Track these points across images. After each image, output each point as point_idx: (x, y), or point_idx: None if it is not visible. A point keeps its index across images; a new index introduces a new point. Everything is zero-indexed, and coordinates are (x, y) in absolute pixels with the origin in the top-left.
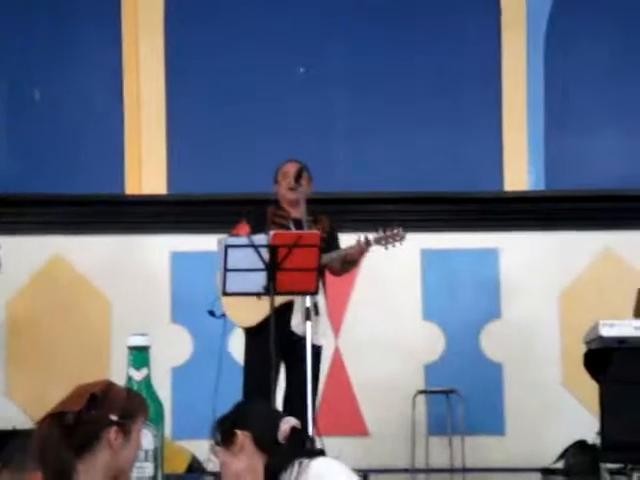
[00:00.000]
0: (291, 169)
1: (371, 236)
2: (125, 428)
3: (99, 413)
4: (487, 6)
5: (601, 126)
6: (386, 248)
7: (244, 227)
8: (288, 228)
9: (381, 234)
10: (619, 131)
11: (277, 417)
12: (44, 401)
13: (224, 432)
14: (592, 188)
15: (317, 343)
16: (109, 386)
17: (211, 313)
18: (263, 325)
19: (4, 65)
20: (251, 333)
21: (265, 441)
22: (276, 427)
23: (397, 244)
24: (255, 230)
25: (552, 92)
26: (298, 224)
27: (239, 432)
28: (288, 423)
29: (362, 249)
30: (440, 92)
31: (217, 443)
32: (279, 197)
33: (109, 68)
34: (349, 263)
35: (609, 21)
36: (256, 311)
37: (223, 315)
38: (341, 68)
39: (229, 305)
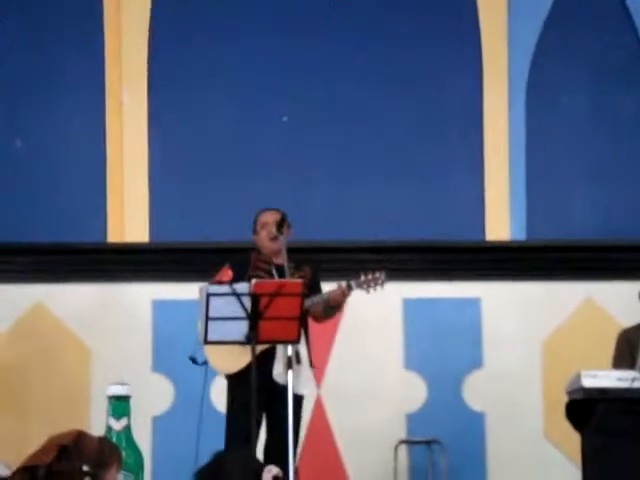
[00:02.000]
0: (270, 219)
1: (353, 281)
2: (98, 478)
3: (70, 464)
4: (469, 57)
5: (582, 177)
6: (367, 292)
7: (227, 272)
8: (271, 274)
9: (362, 278)
10: (600, 182)
11: (258, 467)
12: (20, 449)
13: None
14: (573, 238)
15: (298, 392)
16: (80, 436)
17: (193, 360)
18: (245, 373)
19: None
20: (233, 381)
21: None
22: (257, 478)
23: (379, 288)
24: (238, 276)
25: (534, 142)
26: (281, 271)
27: None
28: (270, 472)
29: (344, 293)
30: (421, 141)
31: None
32: (259, 247)
33: (91, 116)
34: (331, 308)
35: (591, 73)
36: (237, 358)
37: (205, 362)
38: (322, 117)
39: (211, 352)
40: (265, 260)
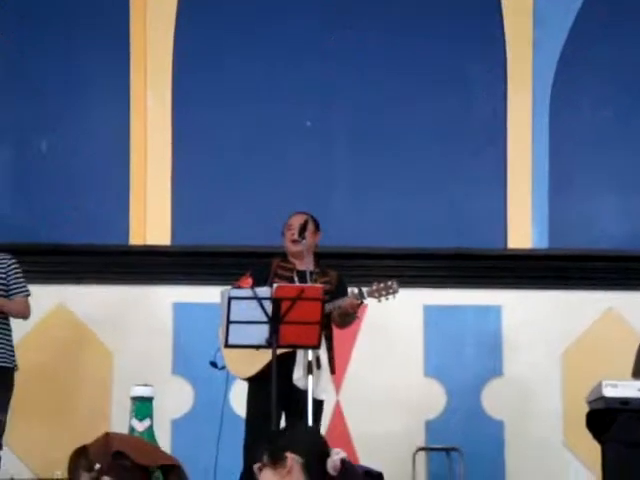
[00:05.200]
0: (295, 222)
1: (364, 289)
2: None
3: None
4: (494, 66)
5: (605, 186)
6: (379, 301)
7: (247, 280)
8: (292, 280)
9: (374, 287)
10: (623, 192)
11: (327, 447)
12: (43, 451)
13: (274, 452)
14: (595, 248)
15: (318, 397)
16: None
17: (213, 364)
18: (263, 377)
19: (12, 116)
20: (253, 384)
21: (314, 469)
22: (326, 456)
23: (391, 297)
24: (257, 283)
25: (557, 151)
26: (302, 276)
27: (290, 455)
28: (338, 455)
29: (354, 302)
30: (445, 149)
31: (264, 463)
32: (285, 249)
33: (116, 120)
34: (346, 316)
35: (614, 85)
36: (253, 362)
37: (224, 366)
38: (345, 123)
39: (228, 356)
40: (287, 267)
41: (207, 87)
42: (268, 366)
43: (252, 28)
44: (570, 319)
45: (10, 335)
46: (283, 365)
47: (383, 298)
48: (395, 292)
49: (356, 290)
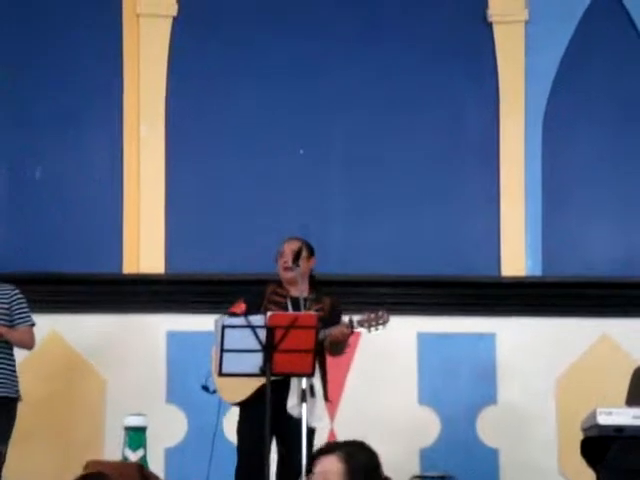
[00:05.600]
0: (287, 249)
1: (355, 318)
2: None
3: None
4: (486, 90)
5: (598, 212)
6: (369, 331)
7: (240, 306)
8: (285, 307)
9: (365, 317)
10: (616, 217)
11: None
12: (36, 478)
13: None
14: (589, 275)
15: (311, 425)
16: None
17: (205, 388)
18: (255, 402)
19: (6, 143)
20: (244, 410)
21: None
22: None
23: (381, 327)
24: (250, 309)
25: (550, 177)
26: (295, 303)
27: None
28: None
29: (344, 331)
30: (437, 175)
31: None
32: (279, 275)
33: (109, 148)
34: (337, 344)
35: (607, 109)
36: (244, 387)
37: (215, 391)
38: (338, 150)
39: (219, 382)
40: (281, 293)
41: (200, 116)
42: (258, 392)
43: (245, 56)
44: (564, 346)
45: (14, 365)
46: (275, 392)
47: (373, 328)
48: (385, 322)
49: (347, 319)
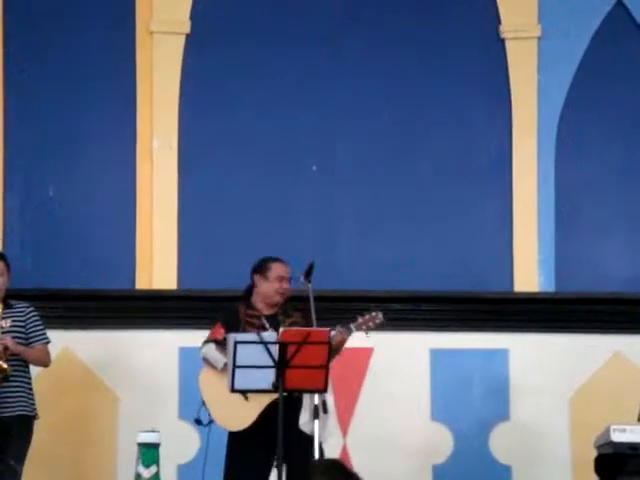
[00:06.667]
0: (284, 273)
1: (352, 324)
2: None
3: None
4: (499, 108)
5: (611, 229)
6: (367, 334)
7: (219, 330)
8: (262, 327)
9: (360, 320)
10: (629, 234)
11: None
12: None
13: None
14: (602, 291)
15: (325, 442)
16: None
17: (198, 422)
18: (253, 426)
19: (19, 160)
20: (237, 434)
21: None
22: None
23: (377, 328)
24: (230, 331)
25: (563, 193)
26: (272, 321)
27: None
28: None
29: (345, 338)
30: (450, 192)
31: None
32: (259, 292)
33: (122, 165)
34: (333, 352)
35: (619, 127)
36: (243, 414)
37: (210, 422)
38: (350, 167)
39: (215, 409)
40: (254, 314)
41: (212, 133)
42: (260, 416)
43: (258, 73)
44: (577, 362)
45: (30, 383)
46: (273, 414)
47: (370, 330)
48: (381, 322)
49: (341, 327)
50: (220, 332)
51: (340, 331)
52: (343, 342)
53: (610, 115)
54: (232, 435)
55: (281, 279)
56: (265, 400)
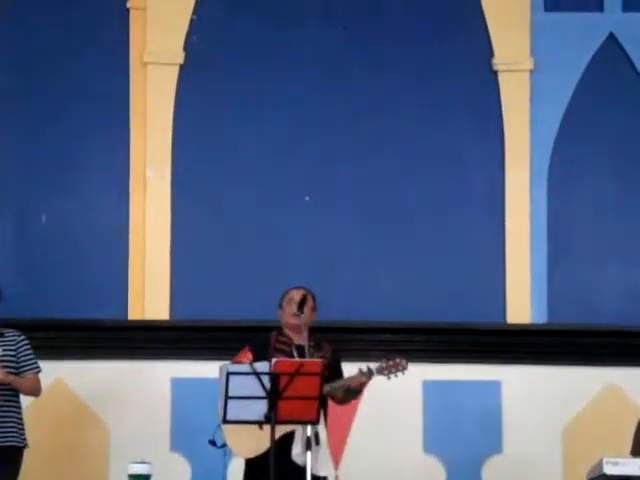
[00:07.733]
0: (296, 296)
1: (373, 366)
2: None
3: None
4: (491, 138)
5: (604, 261)
6: (388, 378)
7: (246, 354)
8: (291, 354)
9: (383, 364)
10: (622, 267)
11: None
12: None
13: None
14: (595, 323)
15: (317, 474)
16: None
17: (212, 443)
18: (263, 456)
19: (12, 188)
20: (251, 463)
21: None
22: None
23: (400, 374)
24: (258, 357)
25: (555, 225)
26: (301, 350)
27: None
28: None
29: (363, 380)
30: (442, 222)
31: None
32: (283, 323)
33: (115, 194)
34: (351, 392)
35: (612, 157)
36: (257, 442)
37: (224, 445)
38: (344, 198)
39: (230, 434)
40: (285, 341)
41: (206, 163)
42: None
43: (252, 103)
44: (569, 394)
45: (20, 413)
46: (282, 443)
47: (392, 375)
48: (404, 369)
49: (365, 368)
50: (247, 356)
51: (362, 373)
52: (362, 384)
53: (603, 147)
54: (248, 462)
55: (289, 302)
56: (280, 430)
